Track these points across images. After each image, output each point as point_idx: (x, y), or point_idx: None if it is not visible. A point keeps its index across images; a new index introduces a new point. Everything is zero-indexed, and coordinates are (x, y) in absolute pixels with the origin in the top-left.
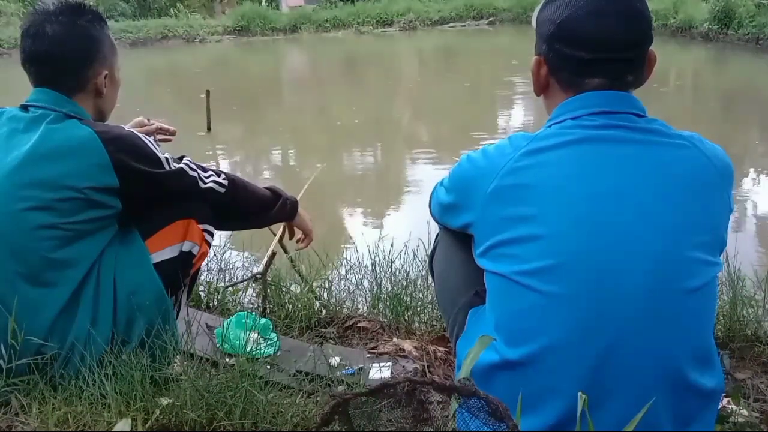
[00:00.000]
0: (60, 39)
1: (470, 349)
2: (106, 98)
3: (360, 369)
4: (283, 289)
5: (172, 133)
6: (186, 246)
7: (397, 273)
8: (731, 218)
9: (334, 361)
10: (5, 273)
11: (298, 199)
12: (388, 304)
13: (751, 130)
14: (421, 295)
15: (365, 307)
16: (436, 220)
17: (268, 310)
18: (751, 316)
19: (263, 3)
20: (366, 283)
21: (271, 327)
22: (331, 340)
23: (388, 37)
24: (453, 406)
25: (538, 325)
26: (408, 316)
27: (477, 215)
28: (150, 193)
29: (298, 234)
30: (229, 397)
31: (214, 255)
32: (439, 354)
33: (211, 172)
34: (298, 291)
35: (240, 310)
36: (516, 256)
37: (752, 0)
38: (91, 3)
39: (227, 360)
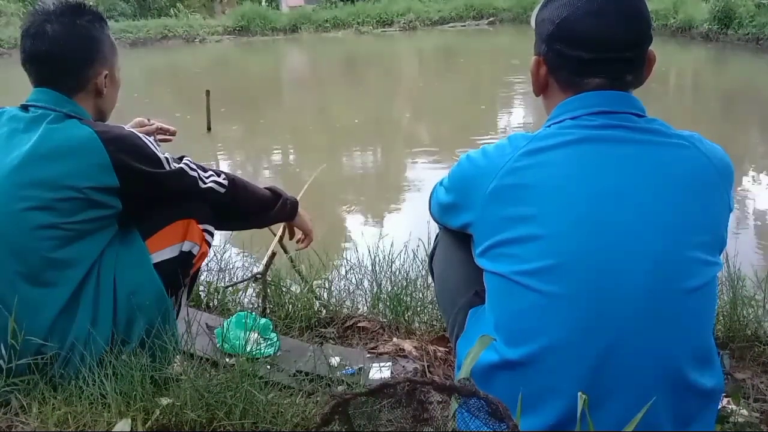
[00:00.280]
0: (60, 39)
1: (470, 349)
2: (106, 98)
3: (360, 369)
4: (283, 289)
5: (172, 133)
6: (186, 246)
7: (397, 273)
8: (731, 218)
9: (334, 361)
10: (5, 273)
11: (298, 199)
12: (388, 304)
13: (751, 130)
14: (421, 295)
15: (365, 307)
16: (435, 220)
17: (268, 310)
18: (751, 316)
19: (263, 3)
20: (366, 283)
21: (271, 327)
22: (331, 340)
23: (388, 37)
24: (453, 406)
25: (538, 325)
26: (408, 316)
27: (476, 215)
28: (150, 193)
29: (298, 234)
30: (229, 397)
31: (214, 255)
32: (439, 354)
33: (211, 172)
34: (298, 291)
35: (240, 310)
36: (516, 256)
37: (752, 0)
38: (91, 3)
39: (227, 360)
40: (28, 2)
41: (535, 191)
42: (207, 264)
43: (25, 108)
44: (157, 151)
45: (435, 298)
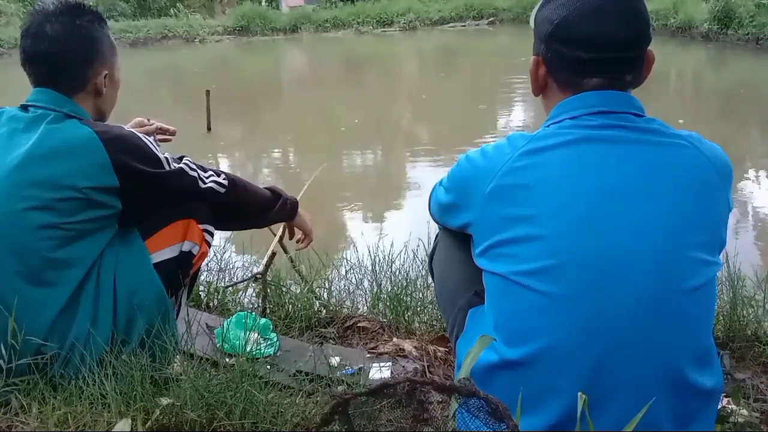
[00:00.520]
0: (60, 39)
1: (470, 349)
2: (105, 98)
3: (360, 369)
4: (283, 289)
5: (172, 133)
6: (186, 246)
7: (397, 273)
8: (731, 218)
9: (334, 361)
10: (5, 273)
11: (298, 199)
12: (388, 304)
13: (751, 130)
14: (421, 295)
15: (365, 307)
16: (435, 220)
17: (268, 310)
18: (751, 316)
19: (263, 3)
20: (366, 283)
21: (271, 327)
22: (331, 340)
23: (388, 37)
24: (453, 406)
25: (538, 325)
26: (408, 316)
27: (476, 215)
28: (150, 193)
29: (298, 234)
30: (229, 397)
31: (214, 255)
32: (439, 354)
33: (211, 172)
34: (298, 291)
35: (240, 310)
36: (515, 256)
37: (752, 0)
38: (91, 3)
39: (227, 360)
40: (28, 2)
41: (535, 191)
42: (207, 264)
43: (24, 108)
44: (157, 151)
45: (435, 298)
